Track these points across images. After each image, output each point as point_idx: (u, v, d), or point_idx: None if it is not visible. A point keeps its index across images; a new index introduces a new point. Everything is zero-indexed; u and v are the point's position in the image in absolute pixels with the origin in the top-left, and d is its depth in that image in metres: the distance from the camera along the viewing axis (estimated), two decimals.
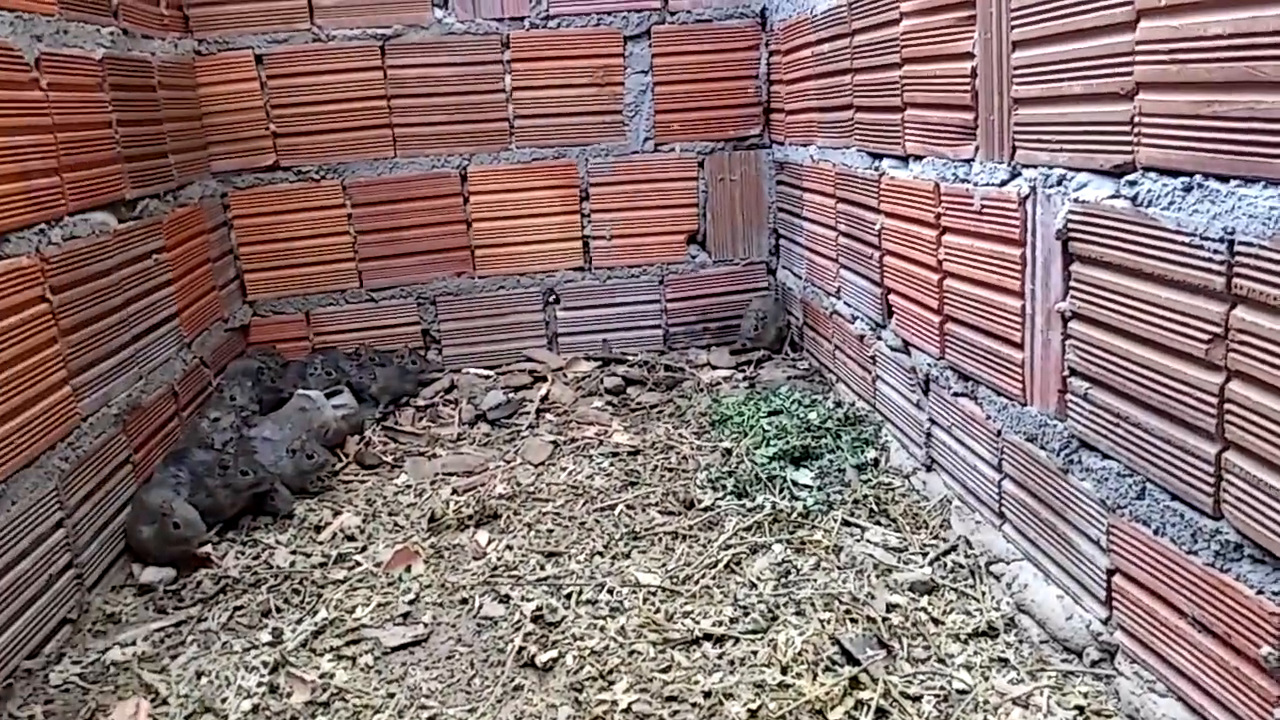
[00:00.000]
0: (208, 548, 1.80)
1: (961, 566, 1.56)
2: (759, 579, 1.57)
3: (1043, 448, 1.37)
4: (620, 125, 2.74)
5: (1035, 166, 1.32)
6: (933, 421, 1.78)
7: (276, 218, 2.69)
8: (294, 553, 1.80)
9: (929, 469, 1.82)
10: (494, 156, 2.72)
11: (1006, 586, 1.48)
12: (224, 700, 1.37)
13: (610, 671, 1.36)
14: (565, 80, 2.69)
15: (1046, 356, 1.33)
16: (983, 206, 1.48)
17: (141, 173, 2.08)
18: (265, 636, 1.53)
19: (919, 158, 1.72)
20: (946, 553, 1.60)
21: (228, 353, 2.56)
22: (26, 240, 1.57)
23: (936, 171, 1.64)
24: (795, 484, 1.87)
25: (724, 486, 1.89)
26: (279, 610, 1.61)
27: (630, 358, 2.78)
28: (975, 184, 1.50)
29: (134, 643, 1.54)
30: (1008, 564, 1.51)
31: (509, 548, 1.75)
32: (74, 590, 1.60)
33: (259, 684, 1.40)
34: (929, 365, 1.76)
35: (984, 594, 1.48)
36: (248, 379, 2.39)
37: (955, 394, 1.66)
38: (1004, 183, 1.41)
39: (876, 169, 1.93)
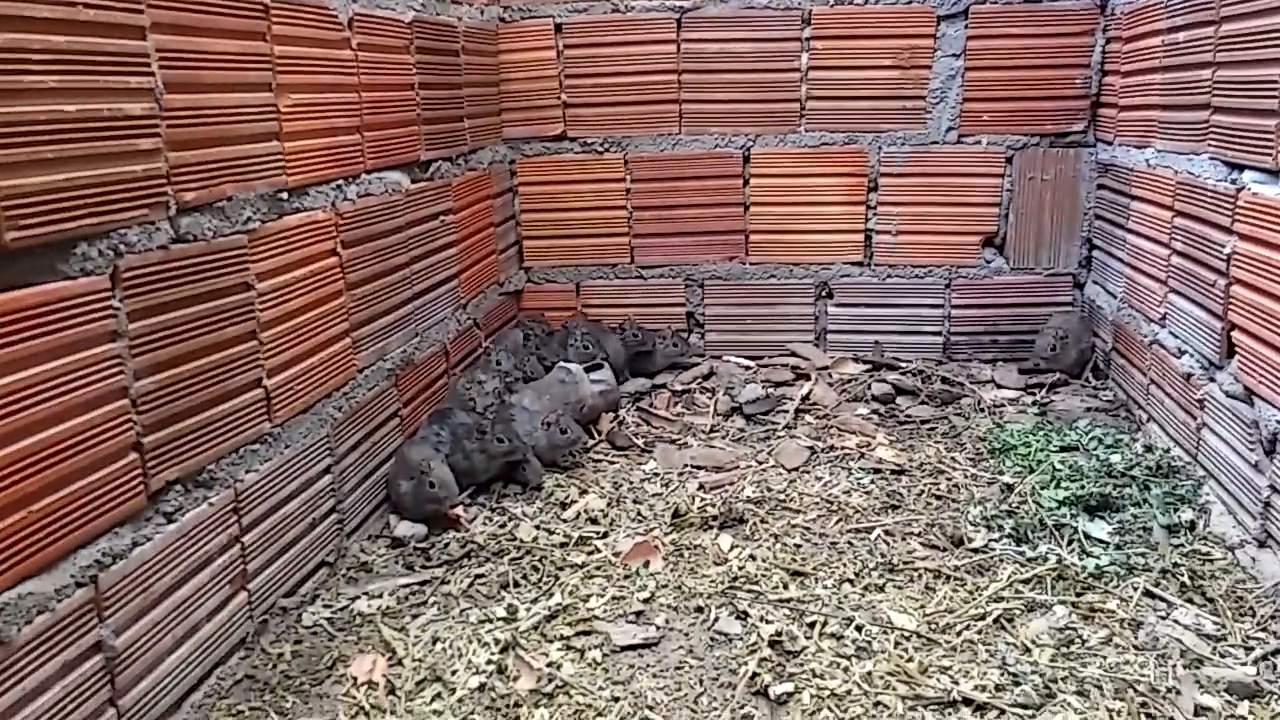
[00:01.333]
0: (459, 509, 1.82)
1: None
2: (1034, 643, 1.37)
3: None
4: (921, 112, 2.52)
5: None
6: (1275, 490, 1.48)
7: (558, 187, 2.71)
8: (538, 527, 1.79)
9: (1263, 545, 1.52)
10: (780, 138, 2.59)
11: None
12: (454, 673, 1.36)
13: None
14: (865, 61, 2.51)
15: None
16: None
17: (437, 135, 2.13)
18: (501, 611, 1.51)
19: None
20: (1277, 652, 1.32)
21: (500, 316, 2.61)
22: (324, 194, 1.63)
23: None
24: (1088, 537, 1.62)
25: (1000, 527, 1.68)
26: (517, 585, 1.60)
27: (903, 365, 2.58)
28: None
29: (381, 595, 1.58)
30: None
31: (752, 558, 1.64)
32: (334, 535, 1.66)
33: (488, 661, 1.38)
34: (1278, 422, 1.46)
35: None
36: (515, 345, 2.42)
37: None
38: None
39: (1234, 182, 1.63)
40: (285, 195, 1.52)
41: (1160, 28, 1.98)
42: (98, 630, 1.11)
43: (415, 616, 1.52)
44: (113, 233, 1.13)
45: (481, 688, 1.33)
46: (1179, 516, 1.67)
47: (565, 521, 1.81)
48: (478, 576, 1.63)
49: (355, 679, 1.36)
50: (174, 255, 1.24)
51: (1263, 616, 1.40)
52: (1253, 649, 1.33)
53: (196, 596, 1.29)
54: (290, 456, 1.52)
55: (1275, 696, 1.23)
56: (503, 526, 1.80)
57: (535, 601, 1.54)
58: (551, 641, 1.43)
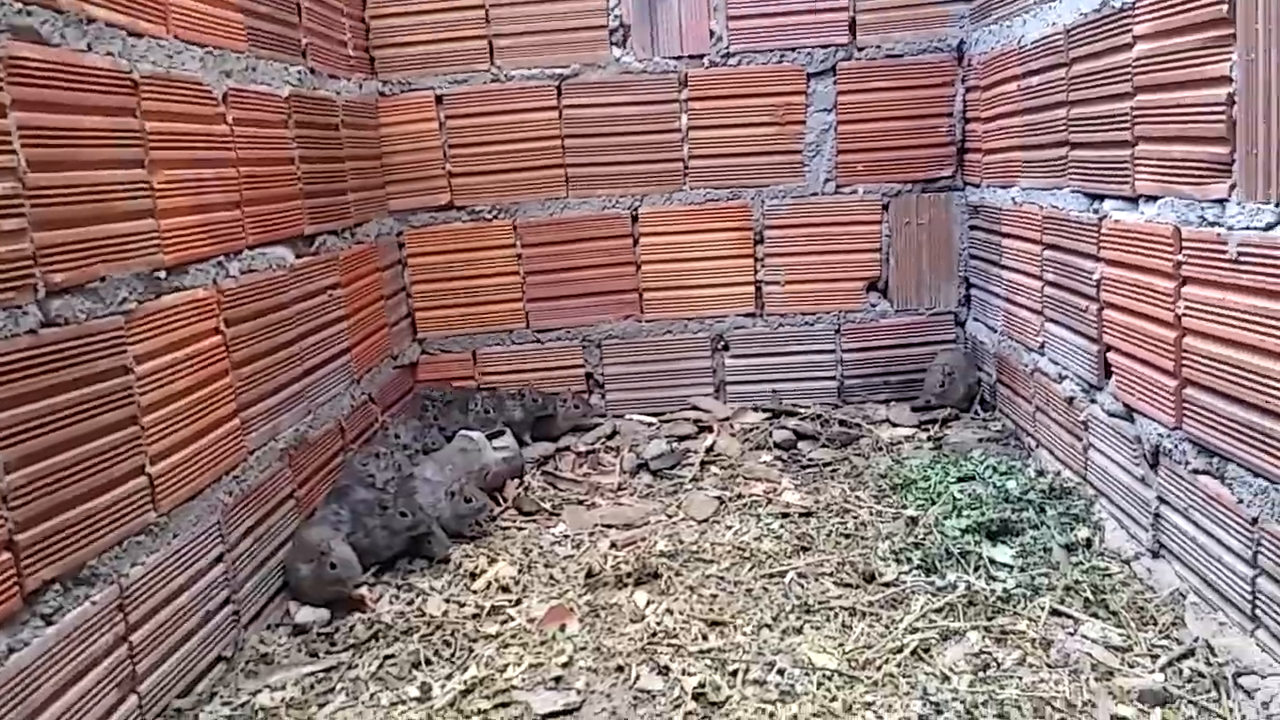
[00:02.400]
0: (363, 589, 1.75)
1: (1201, 675, 1.32)
2: (952, 671, 1.38)
3: None
4: (799, 166, 2.61)
5: None
6: (1163, 501, 1.54)
7: (449, 256, 2.69)
8: (447, 600, 1.73)
9: (1156, 555, 1.58)
10: (666, 197, 2.64)
11: (1262, 706, 1.23)
12: None
13: None
14: (743, 119, 2.59)
15: None
16: (1240, 254, 1.26)
17: (321, 209, 2.10)
18: (414, 691, 1.45)
19: (1153, 198, 1.51)
20: (1182, 657, 1.36)
21: (396, 389, 2.56)
22: (205, 272, 1.58)
23: (1176, 214, 1.43)
24: (993, 562, 1.66)
25: (909, 559, 1.70)
26: (429, 663, 1.53)
27: (802, 410, 2.62)
28: (1230, 228, 1.28)
29: (284, 686, 1.49)
30: (1263, 678, 1.27)
31: (669, 612, 1.62)
32: (230, 627, 1.58)
33: None
34: (1160, 436, 1.53)
35: (1232, 711, 1.24)
36: (413, 417, 2.37)
37: (1195, 471, 1.43)
38: (1270, 226, 1.19)
39: (1096, 211, 1.72)
40: (163, 274, 1.46)
41: (1015, 73, 2.11)
42: None
43: (322, 705, 1.44)
44: None
45: None
46: (1076, 535, 1.72)
47: (476, 592, 1.76)
48: (387, 657, 1.56)
49: None
50: (44, 340, 1.17)
51: (1164, 624, 1.45)
52: (1158, 657, 1.37)
53: (81, 704, 1.20)
54: (179, 547, 1.44)
55: (1185, 701, 1.27)
56: (410, 603, 1.74)
57: (449, 677, 1.48)
58: (469, 717, 1.37)
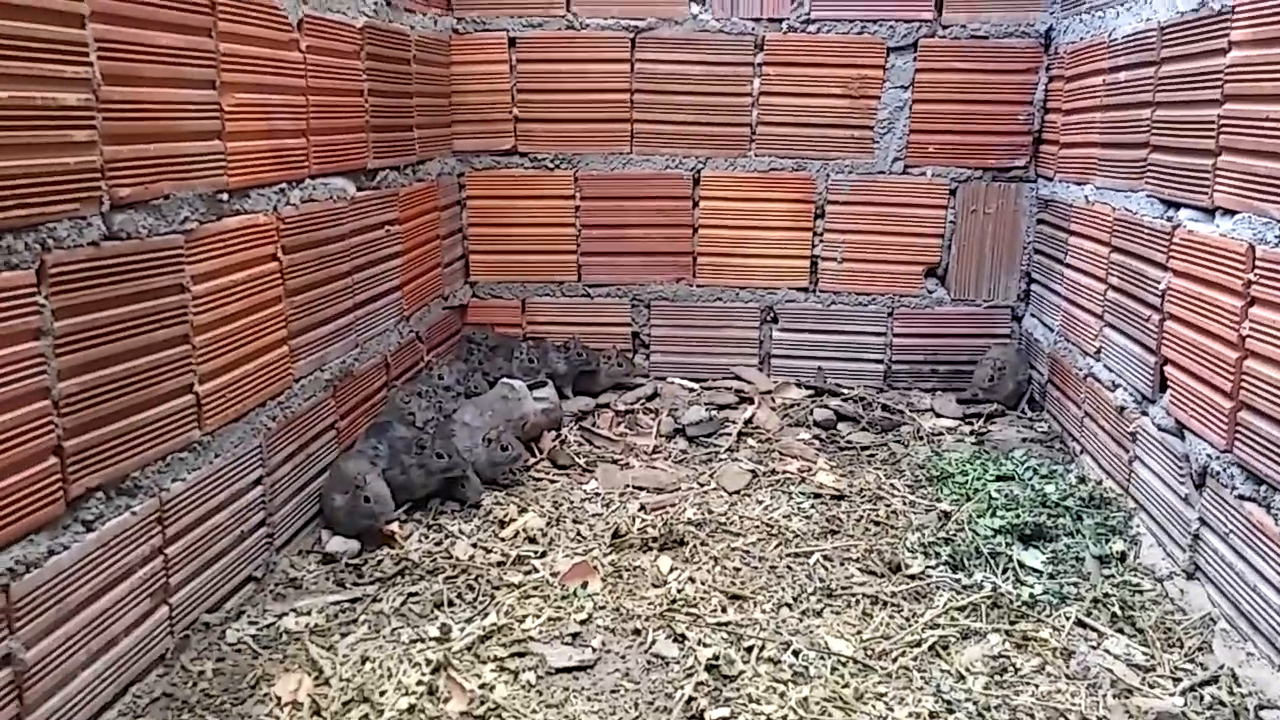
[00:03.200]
0: (394, 525, 1.78)
1: (1223, 704, 1.29)
2: (968, 671, 1.37)
3: None
4: (869, 142, 2.56)
5: None
6: (1204, 523, 1.51)
7: (507, 202, 2.68)
8: (475, 545, 1.76)
9: (1190, 577, 1.55)
10: (730, 162, 2.61)
11: None
12: (382, 694, 1.32)
13: None
14: (816, 89, 2.54)
15: None
16: None
17: (385, 143, 2.10)
18: (433, 630, 1.47)
19: (1231, 213, 1.45)
20: (1205, 683, 1.34)
21: (444, 330, 2.58)
22: (266, 198, 1.59)
23: (1253, 231, 1.38)
24: (1022, 565, 1.64)
25: (937, 554, 1.69)
26: (451, 604, 1.56)
27: (845, 391, 2.60)
28: None
29: (309, 612, 1.53)
30: None
31: (691, 580, 1.63)
32: (263, 549, 1.61)
33: (418, 682, 1.34)
34: (1209, 457, 1.49)
35: None
36: (458, 359, 2.39)
37: (1241, 496, 1.39)
38: None
39: (1170, 219, 1.67)
40: (225, 196, 1.47)
41: (1102, 67, 2.04)
42: (7, 643, 1.05)
43: (344, 635, 1.47)
44: (41, 226, 1.09)
45: (411, 709, 1.29)
46: (1110, 547, 1.69)
47: (503, 540, 1.78)
48: (411, 595, 1.59)
49: (279, 699, 1.31)
50: (105, 253, 1.19)
51: (1190, 648, 1.42)
52: (1180, 680, 1.35)
53: (114, 610, 1.23)
54: (220, 466, 1.47)
55: None
56: (439, 544, 1.76)
57: (469, 621, 1.50)
58: (485, 663, 1.40)
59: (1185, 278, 1.60)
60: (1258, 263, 1.36)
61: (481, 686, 1.34)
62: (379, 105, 2.05)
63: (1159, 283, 1.69)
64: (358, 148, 1.95)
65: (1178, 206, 1.65)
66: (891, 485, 2.02)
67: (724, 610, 1.54)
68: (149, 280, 1.28)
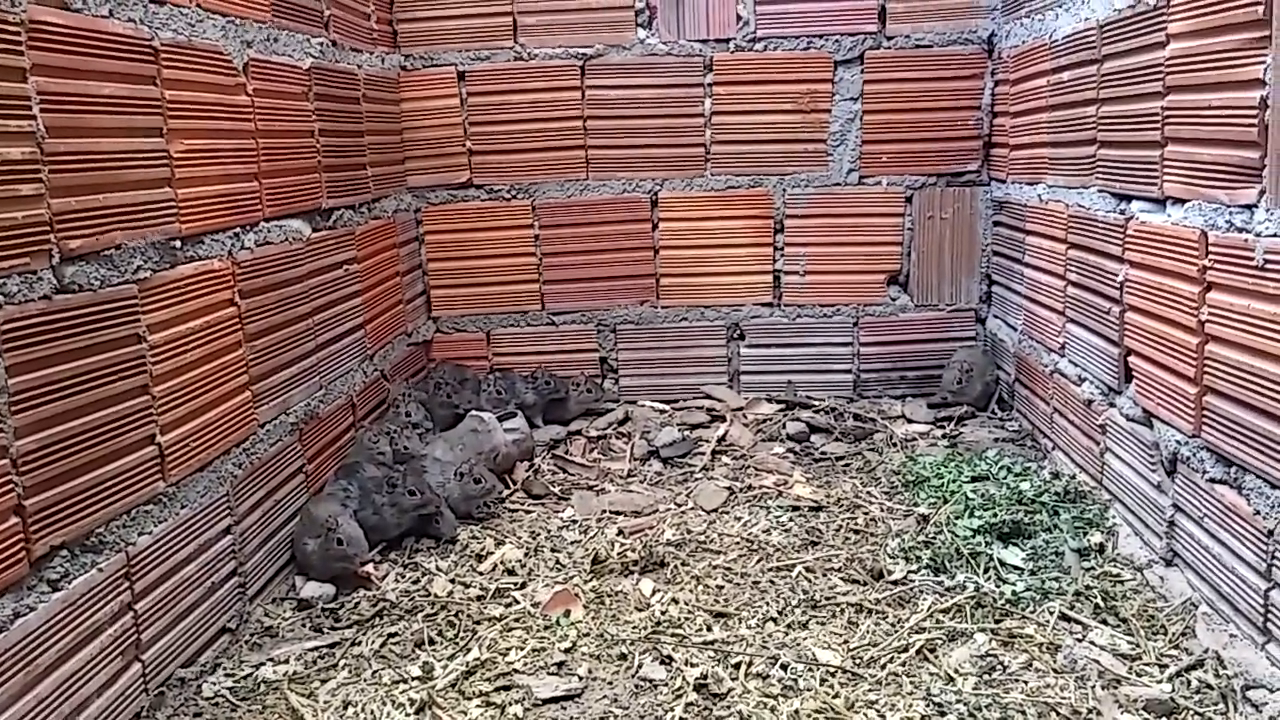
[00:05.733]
0: (369, 567, 1.75)
1: (1210, 687, 1.30)
2: (957, 672, 1.37)
3: None
4: (823, 155, 2.58)
5: None
6: (1178, 509, 1.52)
7: (466, 235, 2.68)
8: (453, 581, 1.73)
9: (1169, 564, 1.56)
10: (687, 182, 2.62)
11: None
12: None
13: None
14: (767, 105, 2.56)
15: None
16: (1266, 261, 1.23)
17: (339, 183, 2.09)
18: (415, 670, 1.45)
19: (1180, 201, 1.48)
20: (1191, 668, 1.34)
21: (409, 367, 2.55)
22: (220, 243, 1.57)
23: (1204, 218, 1.40)
24: (1003, 564, 1.64)
25: (918, 558, 1.69)
26: (432, 642, 1.53)
27: (816, 403, 2.60)
28: (1258, 235, 1.26)
29: (287, 660, 1.50)
30: (1272, 691, 1.25)
31: (675, 601, 1.62)
32: (236, 599, 1.58)
33: None
34: (1178, 443, 1.51)
35: None
36: (426, 395, 2.37)
37: (1212, 480, 1.41)
38: None
39: (1122, 212, 1.69)
40: (178, 244, 1.45)
41: (1045, 68, 2.07)
42: None
43: (324, 681, 1.44)
44: None
45: None
46: (1088, 540, 1.70)
47: (481, 574, 1.76)
48: (390, 636, 1.56)
49: None
50: (58, 306, 1.17)
51: (1174, 634, 1.43)
52: (1166, 667, 1.35)
53: (85, 670, 1.20)
54: (186, 517, 1.44)
55: (1191, 712, 1.25)
56: (416, 582, 1.74)
57: (452, 658, 1.48)
58: (470, 699, 1.37)
59: (1142, 268, 1.62)
60: (1210, 248, 1.39)
61: None
62: (330, 145, 2.03)
63: (1117, 275, 1.72)
64: (311, 188, 1.94)
65: (1129, 199, 1.68)
66: (868, 493, 2.02)
67: (709, 629, 1.53)
68: (104, 332, 1.26)
